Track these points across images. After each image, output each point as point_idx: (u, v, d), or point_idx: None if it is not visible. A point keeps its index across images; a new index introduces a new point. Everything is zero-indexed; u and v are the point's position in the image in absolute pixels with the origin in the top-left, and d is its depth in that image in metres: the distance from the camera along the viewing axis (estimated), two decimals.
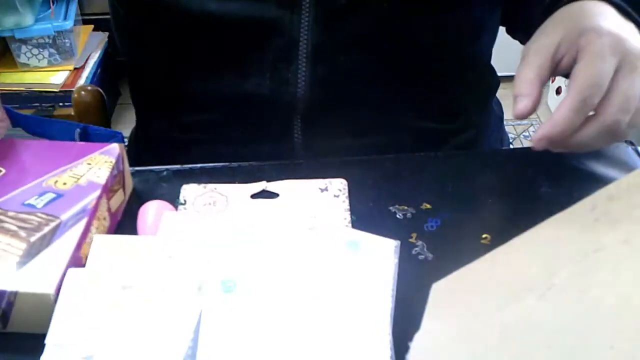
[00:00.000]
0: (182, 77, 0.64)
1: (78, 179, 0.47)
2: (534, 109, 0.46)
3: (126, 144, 0.75)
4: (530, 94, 0.46)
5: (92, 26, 1.86)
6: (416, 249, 0.48)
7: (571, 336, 0.27)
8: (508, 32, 0.68)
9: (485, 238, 0.49)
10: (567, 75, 0.48)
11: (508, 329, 0.31)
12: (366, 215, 0.51)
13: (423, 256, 0.48)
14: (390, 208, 0.52)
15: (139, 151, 0.76)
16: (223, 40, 0.59)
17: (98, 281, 0.40)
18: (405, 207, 0.52)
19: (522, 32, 0.63)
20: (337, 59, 0.60)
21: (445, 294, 0.39)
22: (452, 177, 0.56)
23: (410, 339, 0.38)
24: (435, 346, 0.36)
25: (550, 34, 0.47)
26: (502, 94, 0.79)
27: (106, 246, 0.43)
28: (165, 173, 0.56)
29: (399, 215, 0.52)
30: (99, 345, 0.37)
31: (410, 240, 0.49)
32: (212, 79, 0.63)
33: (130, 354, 0.37)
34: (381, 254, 0.43)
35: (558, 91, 2.14)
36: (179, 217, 0.47)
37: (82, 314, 0.39)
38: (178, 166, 0.57)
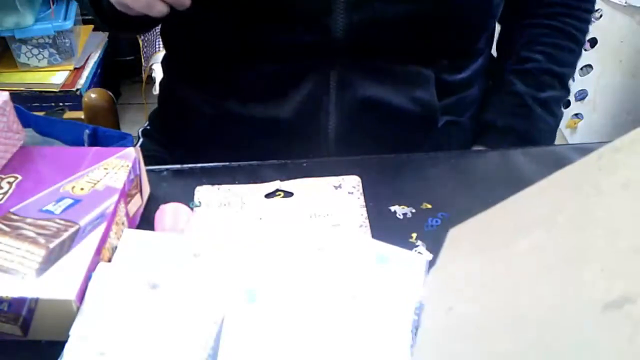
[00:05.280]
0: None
1: (95, 184, 0.47)
2: None
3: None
4: None
5: (92, 26, 1.86)
6: (416, 249, 0.48)
7: (571, 264, 0.32)
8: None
9: None
10: None
11: (517, 258, 0.36)
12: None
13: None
14: (390, 208, 0.52)
15: (149, 143, 0.75)
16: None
17: (125, 277, 0.40)
18: (405, 207, 0.52)
19: None
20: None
21: (460, 238, 0.43)
22: (452, 177, 0.56)
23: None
24: (449, 281, 0.39)
25: None
26: None
27: (134, 241, 0.43)
28: (165, 173, 0.56)
29: (399, 215, 0.52)
30: (118, 342, 0.37)
31: (410, 240, 0.49)
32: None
33: (147, 356, 0.37)
34: (410, 269, 0.43)
35: None
36: (207, 216, 0.47)
37: (107, 308, 0.39)
38: (178, 166, 0.57)
